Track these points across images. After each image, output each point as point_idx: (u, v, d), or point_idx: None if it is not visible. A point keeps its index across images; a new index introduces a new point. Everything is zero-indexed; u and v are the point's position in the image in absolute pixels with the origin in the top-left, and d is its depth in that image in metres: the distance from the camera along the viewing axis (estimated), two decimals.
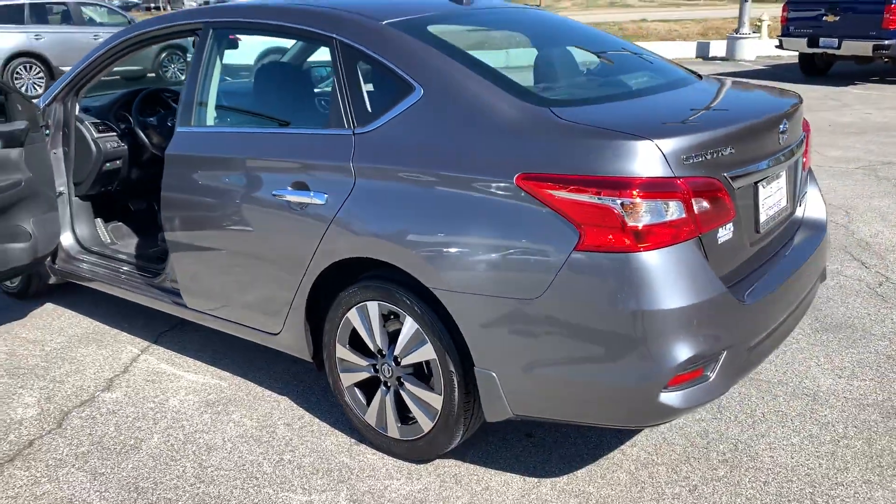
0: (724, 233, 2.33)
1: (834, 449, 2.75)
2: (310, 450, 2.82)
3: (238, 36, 3.53)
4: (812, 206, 3.11)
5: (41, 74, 13.67)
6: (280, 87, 3.13)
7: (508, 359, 2.34)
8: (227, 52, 3.21)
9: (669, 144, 2.17)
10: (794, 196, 2.89)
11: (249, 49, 3.44)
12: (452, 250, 2.35)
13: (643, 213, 2.12)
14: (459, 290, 2.36)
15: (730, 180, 2.32)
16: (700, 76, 3.20)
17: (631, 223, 2.12)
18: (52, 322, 4.05)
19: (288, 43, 3.94)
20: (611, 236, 2.13)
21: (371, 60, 2.65)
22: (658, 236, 2.14)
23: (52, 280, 4.07)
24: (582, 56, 3.14)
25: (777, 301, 2.50)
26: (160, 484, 2.65)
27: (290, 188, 2.74)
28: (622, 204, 2.12)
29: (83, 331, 3.92)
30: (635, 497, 2.52)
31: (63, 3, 14.29)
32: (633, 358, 2.17)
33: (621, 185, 2.12)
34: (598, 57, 3.11)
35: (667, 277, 2.15)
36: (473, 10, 3.15)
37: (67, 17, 14.20)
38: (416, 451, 2.68)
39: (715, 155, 2.27)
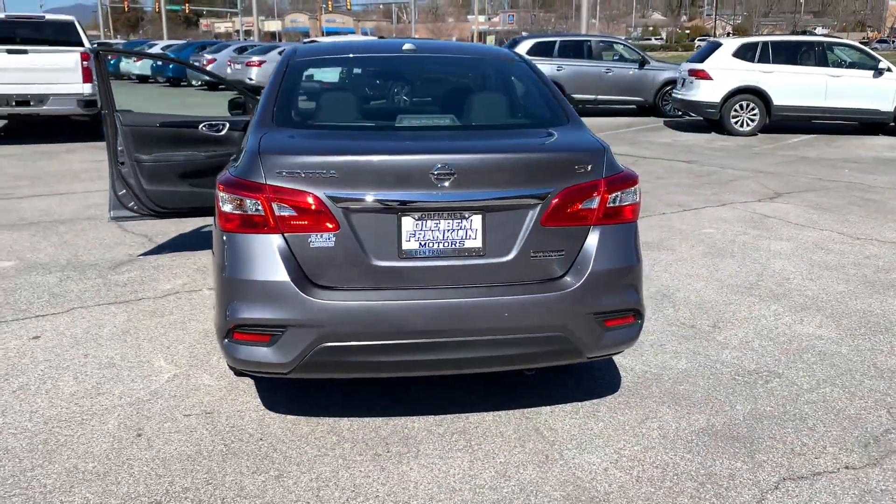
0: (321, 240, 2.84)
1: (469, 490, 2.85)
2: (214, 347, 4.11)
3: None
4: (576, 266, 3.00)
5: None
6: None
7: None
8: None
9: (271, 159, 2.86)
10: (514, 244, 2.94)
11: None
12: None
13: (230, 205, 2.88)
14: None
15: (330, 198, 2.82)
16: (566, 120, 3.38)
17: (223, 210, 2.91)
18: None
19: None
20: (220, 219, 2.95)
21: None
22: (238, 224, 2.87)
23: None
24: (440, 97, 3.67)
25: (380, 320, 2.83)
26: (138, 331, 4.31)
27: None
28: (223, 197, 2.92)
29: None
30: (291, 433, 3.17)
31: (586, 41, 16.74)
32: (218, 308, 2.96)
33: (226, 182, 2.92)
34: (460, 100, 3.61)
35: (238, 254, 2.87)
36: (400, 56, 3.88)
37: (587, 53, 16.54)
38: None
39: (312, 174, 2.81)
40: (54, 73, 11.71)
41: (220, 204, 2.92)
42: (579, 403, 3.50)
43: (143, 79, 29.76)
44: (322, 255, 2.87)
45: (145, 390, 3.60)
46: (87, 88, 11.73)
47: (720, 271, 5.55)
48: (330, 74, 4.04)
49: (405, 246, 2.91)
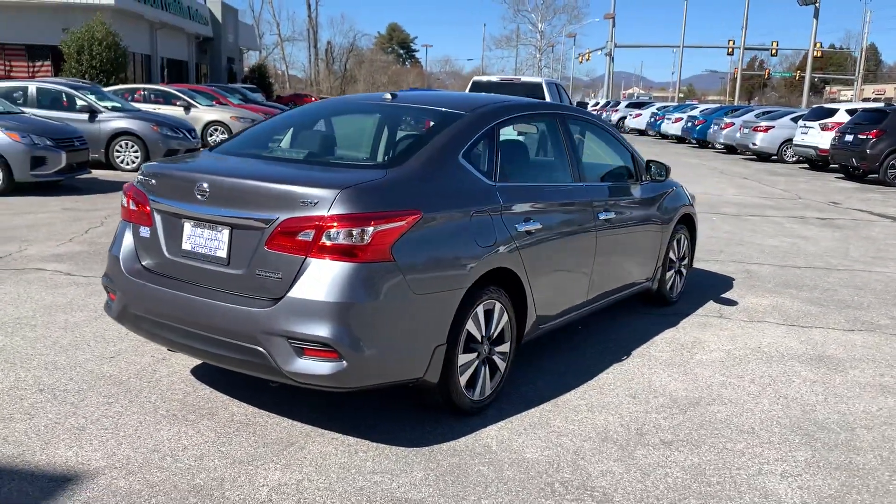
0: (144, 232, 3.77)
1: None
2: None
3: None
4: (288, 290, 3.23)
5: None
6: None
7: None
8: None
9: (141, 170, 3.89)
10: (246, 260, 3.39)
11: None
12: None
13: (124, 200, 3.95)
14: None
15: (151, 201, 3.67)
16: (401, 165, 3.70)
17: (121, 204, 4.02)
18: None
19: None
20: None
21: None
22: (124, 213, 3.94)
23: None
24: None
25: (151, 299, 3.65)
26: None
27: None
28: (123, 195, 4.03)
29: None
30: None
31: None
32: None
33: (125, 186, 4.03)
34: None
35: (115, 236, 3.98)
36: (375, 105, 4.41)
37: None
38: None
39: (147, 181, 3.75)
40: None
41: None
42: (389, 446, 3.61)
43: (679, 139, 31.16)
44: (144, 244, 3.80)
45: None
46: None
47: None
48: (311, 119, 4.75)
49: (184, 246, 3.62)
